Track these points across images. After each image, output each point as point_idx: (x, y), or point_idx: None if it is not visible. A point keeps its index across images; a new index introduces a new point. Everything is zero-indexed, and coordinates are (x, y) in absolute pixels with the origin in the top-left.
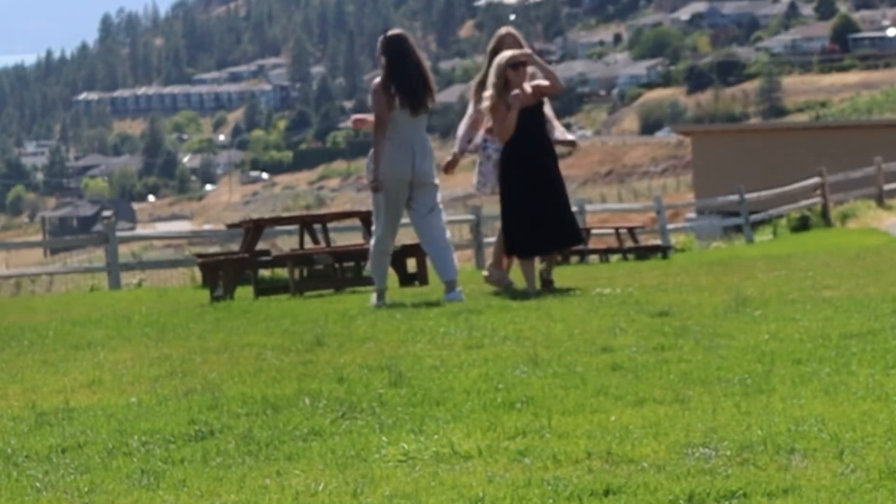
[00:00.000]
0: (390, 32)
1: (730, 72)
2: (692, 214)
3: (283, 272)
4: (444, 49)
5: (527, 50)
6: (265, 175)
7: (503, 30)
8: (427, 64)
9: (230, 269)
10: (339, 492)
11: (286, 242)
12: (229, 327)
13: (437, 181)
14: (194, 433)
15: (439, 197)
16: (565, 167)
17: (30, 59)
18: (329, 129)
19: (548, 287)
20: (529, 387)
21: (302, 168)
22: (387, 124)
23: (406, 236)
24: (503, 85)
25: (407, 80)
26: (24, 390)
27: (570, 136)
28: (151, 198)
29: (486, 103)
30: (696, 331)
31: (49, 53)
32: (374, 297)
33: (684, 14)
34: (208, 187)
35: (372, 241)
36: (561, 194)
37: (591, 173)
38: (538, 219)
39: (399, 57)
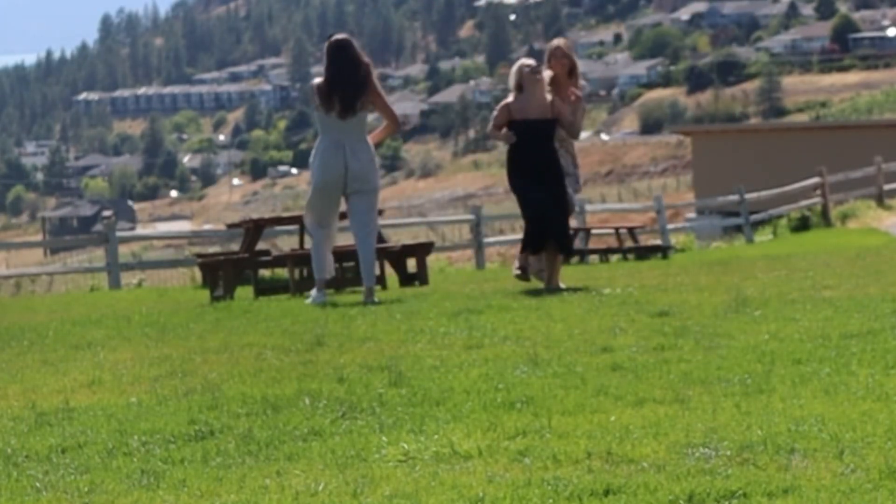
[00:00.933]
0: (333, 37)
1: (730, 72)
2: (692, 214)
3: (283, 272)
4: (444, 49)
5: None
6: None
7: (554, 42)
8: (372, 71)
9: (230, 269)
10: (339, 492)
11: (286, 242)
12: (229, 327)
13: (376, 186)
14: (194, 433)
15: (378, 201)
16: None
17: (30, 59)
18: None
19: (554, 291)
20: (529, 387)
21: (302, 168)
22: (320, 125)
23: (406, 236)
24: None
25: (336, 85)
26: (24, 390)
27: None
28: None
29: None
30: (696, 331)
31: (49, 53)
32: (313, 292)
33: (684, 14)
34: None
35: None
36: (562, 208)
37: (591, 173)
38: (547, 220)
39: (334, 61)
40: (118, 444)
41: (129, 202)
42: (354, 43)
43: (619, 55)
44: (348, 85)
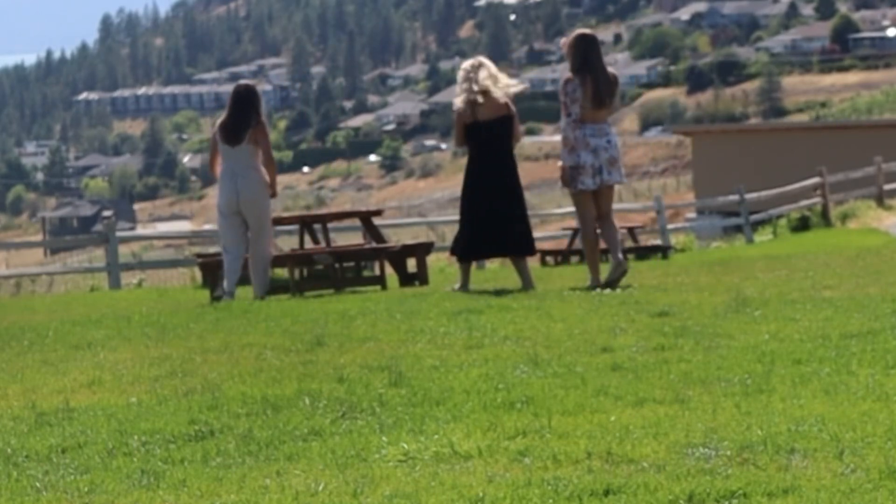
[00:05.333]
0: (241, 83)
1: (730, 72)
2: (692, 214)
3: (283, 272)
4: (444, 49)
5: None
6: (305, 168)
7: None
8: (262, 115)
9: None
10: (339, 492)
11: (286, 242)
12: (229, 327)
13: (263, 207)
14: (194, 433)
15: (267, 224)
16: None
17: (30, 59)
18: (329, 129)
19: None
20: (529, 387)
21: (302, 168)
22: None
23: (406, 236)
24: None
25: (226, 119)
26: (24, 390)
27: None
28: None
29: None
30: (696, 331)
31: (49, 53)
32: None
33: (684, 14)
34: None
35: None
36: (514, 206)
37: None
38: (483, 226)
39: (230, 100)
40: (118, 444)
41: (133, 207)
42: (257, 92)
43: (619, 55)
44: (236, 119)
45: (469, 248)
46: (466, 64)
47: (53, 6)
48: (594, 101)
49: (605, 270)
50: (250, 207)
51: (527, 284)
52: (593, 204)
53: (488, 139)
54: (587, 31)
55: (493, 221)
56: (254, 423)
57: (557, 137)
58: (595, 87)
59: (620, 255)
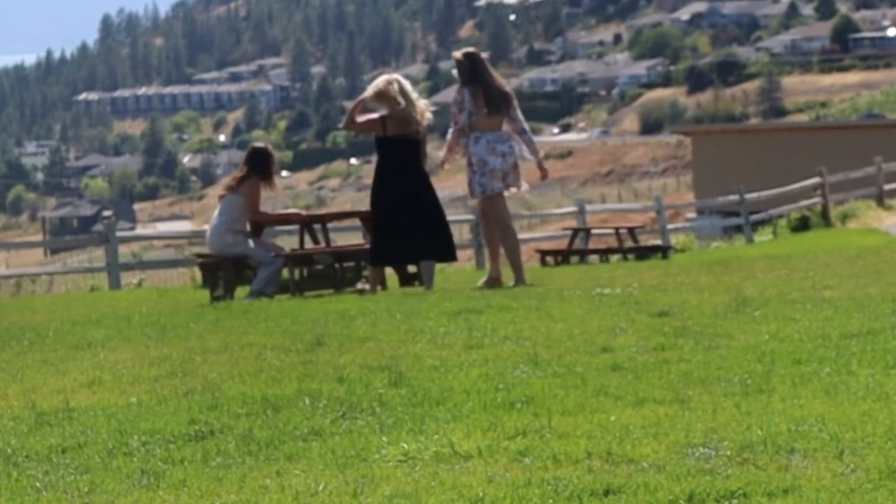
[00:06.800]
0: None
1: (730, 72)
2: (692, 214)
3: (283, 272)
4: (444, 49)
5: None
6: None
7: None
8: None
9: (230, 269)
10: (339, 492)
11: (286, 242)
12: (229, 327)
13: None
14: (194, 433)
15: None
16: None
17: (30, 59)
18: (329, 129)
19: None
20: (529, 387)
21: (302, 168)
22: None
23: None
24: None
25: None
26: (24, 390)
27: (531, 158)
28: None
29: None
30: (696, 331)
31: (49, 53)
32: None
33: (684, 14)
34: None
35: None
36: (428, 216)
37: (591, 173)
38: (395, 233)
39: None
40: (118, 444)
41: (133, 207)
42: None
43: (619, 55)
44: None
45: (376, 254)
46: (393, 78)
47: (53, 6)
48: (489, 108)
49: (604, 271)
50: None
51: (428, 285)
52: (502, 207)
53: (401, 151)
54: (472, 49)
55: (406, 229)
56: (254, 423)
57: (557, 138)
58: (487, 95)
59: (523, 275)
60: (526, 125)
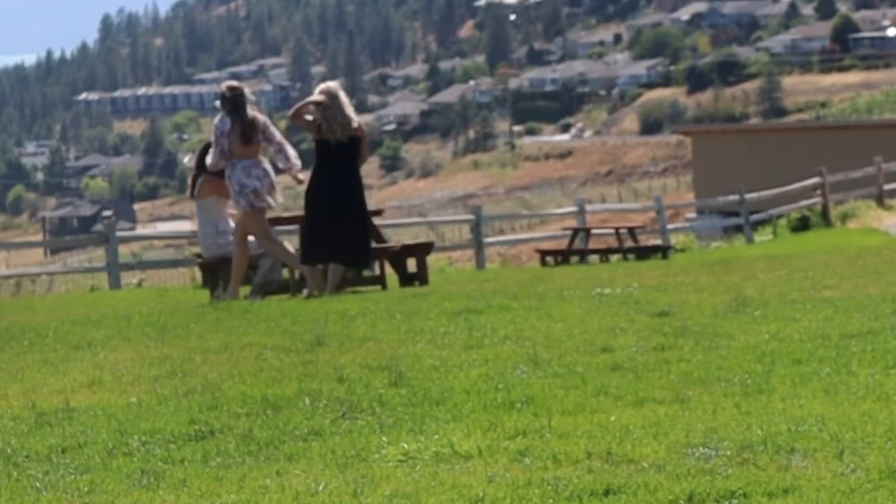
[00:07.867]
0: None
1: (730, 72)
2: (692, 214)
3: (283, 272)
4: (444, 49)
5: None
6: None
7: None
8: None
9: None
10: (339, 492)
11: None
12: (229, 327)
13: None
14: (194, 433)
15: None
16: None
17: (30, 59)
18: None
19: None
20: (529, 387)
21: (301, 168)
22: None
23: (406, 236)
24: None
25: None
26: (24, 390)
27: (286, 165)
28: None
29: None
30: (696, 331)
31: (49, 53)
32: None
33: (684, 14)
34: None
35: None
36: (350, 218)
37: (591, 173)
38: (321, 233)
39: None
40: (118, 444)
41: (133, 207)
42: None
43: (619, 55)
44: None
45: (304, 253)
46: (328, 88)
47: (53, 6)
48: (242, 139)
49: (604, 271)
50: None
51: (330, 288)
52: (264, 222)
53: (333, 154)
54: (235, 83)
55: (332, 231)
56: (254, 423)
57: (557, 137)
58: (241, 128)
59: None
60: (284, 143)
